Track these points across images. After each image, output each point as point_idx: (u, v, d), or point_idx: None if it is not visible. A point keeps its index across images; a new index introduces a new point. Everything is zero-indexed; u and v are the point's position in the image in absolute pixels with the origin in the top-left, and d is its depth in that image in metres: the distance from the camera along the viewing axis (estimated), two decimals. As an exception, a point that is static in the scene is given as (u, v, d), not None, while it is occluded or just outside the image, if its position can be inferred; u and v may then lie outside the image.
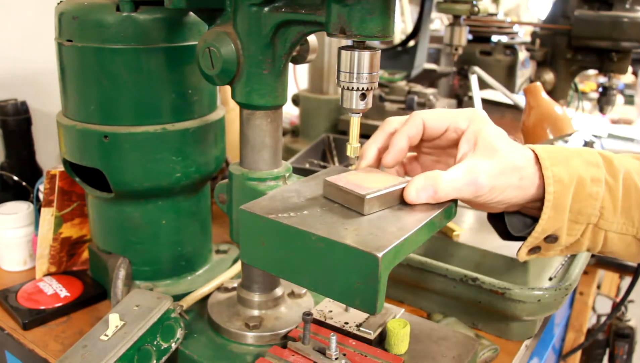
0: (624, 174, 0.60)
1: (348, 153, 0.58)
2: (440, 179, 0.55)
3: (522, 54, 1.57)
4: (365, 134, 1.19)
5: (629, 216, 0.60)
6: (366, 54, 0.53)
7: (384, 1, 0.51)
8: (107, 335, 0.60)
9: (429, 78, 1.50)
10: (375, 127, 1.15)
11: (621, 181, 0.60)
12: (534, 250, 0.63)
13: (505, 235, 0.65)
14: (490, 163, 0.56)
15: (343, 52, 0.54)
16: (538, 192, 0.58)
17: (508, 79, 1.56)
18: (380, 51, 0.55)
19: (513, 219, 0.63)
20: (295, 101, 1.33)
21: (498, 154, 0.56)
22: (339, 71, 0.55)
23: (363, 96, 0.55)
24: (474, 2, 1.17)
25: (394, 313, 0.66)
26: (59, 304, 0.79)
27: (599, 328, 1.18)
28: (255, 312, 0.70)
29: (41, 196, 0.87)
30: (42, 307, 0.78)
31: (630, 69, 1.46)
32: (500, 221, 0.64)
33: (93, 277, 0.86)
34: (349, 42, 0.55)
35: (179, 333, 0.66)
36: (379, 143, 0.62)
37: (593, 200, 0.59)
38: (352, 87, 0.54)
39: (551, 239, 0.60)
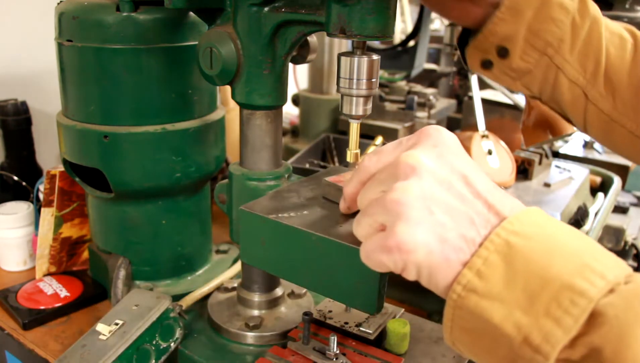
0: (593, 19, 0.60)
1: (348, 159, 0.58)
2: None
3: (522, 54, 1.57)
4: (365, 134, 1.18)
5: (584, 64, 0.60)
6: (365, 61, 0.53)
7: (384, 1, 0.51)
8: (105, 335, 0.60)
9: (429, 78, 1.50)
10: (375, 128, 1.16)
11: (588, 25, 0.59)
12: (486, 64, 0.62)
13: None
14: None
15: (343, 58, 0.54)
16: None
17: (508, 79, 1.56)
18: (379, 58, 0.55)
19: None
20: (295, 101, 1.33)
21: None
22: (338, 77, 0.55)
23: (363, 102, 0.55)
24: (474, 2, 1.18)
25: (394, 313, 0.66)
26: (59, 304, 0.79)
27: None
28: (255, 312, 0.70)
29: (41, 196, 0.87)
30: (42, 307, 0.78)
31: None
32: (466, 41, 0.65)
33: (93, 277, 0.86)
34: (349, 45, 0.55)
35: (178, 333, 0.66)
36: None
37: (555, 27, 0.58)
38: (352, 94, 0.54)
39: (503, 52, 0.60)
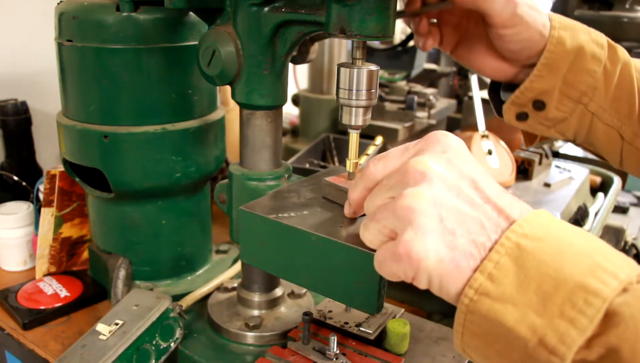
0: (623, 63, 0.61)
1: (347, 168, 0.58)
2: None
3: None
4: (365, 134, 1.18)
5: (617, 107, 0.61)
6: (365, 72, 0.53)
7: (384, 1, 0.51)
8: (105, 335, 0.60)
9: (429, 78, 1.50)
10: (375, 127, 1.16)
11: (619, 70, 0.61)
12: (521, 116, 0.63)
13: (500, 106, 0.66)
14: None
15: (342, 69, 0.54)
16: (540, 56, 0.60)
17: (508, 79, 1.56)
18: (379, 68, 0.55)
19: (507, 93, 0.66)
20: (295, 101, 1.33)
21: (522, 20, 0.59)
22: (338, 87, 0.55)
23: (362, 112, 0.55)
24: (474, 2, 1.17)
25: (394, 313, 0.66)
26: (59, 304, 0.79)
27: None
28: (255, 312, 0.70)
29: (41, 196, 0.87)
30: (42, 307, 0.78)
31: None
32: (498, 93, 0.67)
33: (93, 277, 0.86)
34: (348, 45, 0.55)
35: (178, 333, 0.66)
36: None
37: (589, 77, 0.60)
38: (351, 104, 0.54)
39: (539, 105, 0.61)
